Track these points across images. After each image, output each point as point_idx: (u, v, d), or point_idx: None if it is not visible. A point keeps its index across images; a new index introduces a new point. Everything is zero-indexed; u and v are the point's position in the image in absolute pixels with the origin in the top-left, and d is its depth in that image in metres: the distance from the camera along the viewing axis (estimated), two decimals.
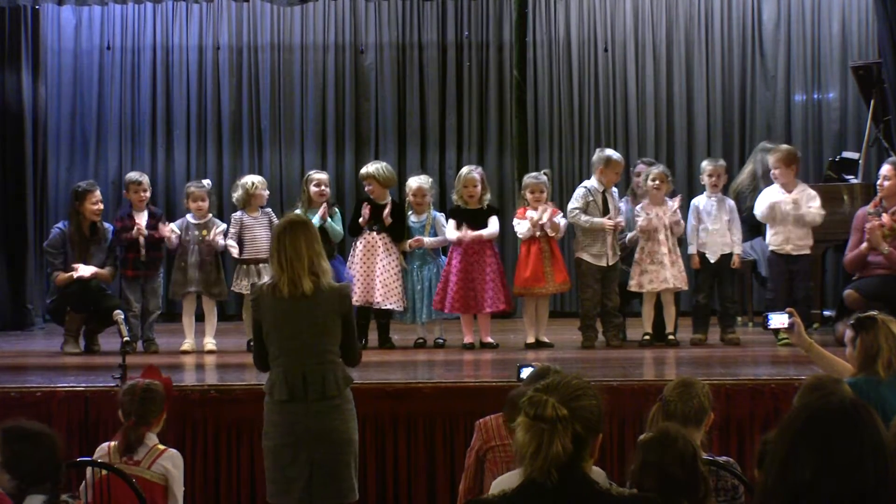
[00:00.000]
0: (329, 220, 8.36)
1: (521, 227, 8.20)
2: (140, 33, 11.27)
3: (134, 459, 4.77)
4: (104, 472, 4.62)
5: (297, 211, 8.43)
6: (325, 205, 8.35)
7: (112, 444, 4.85)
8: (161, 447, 4.84)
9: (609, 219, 8.19)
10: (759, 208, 8.34)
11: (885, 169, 7.98)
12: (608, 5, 11.33)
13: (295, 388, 4.84)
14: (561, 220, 8.24)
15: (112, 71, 11.25)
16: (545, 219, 8.09)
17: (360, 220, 8.34)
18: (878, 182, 8.00)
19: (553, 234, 8.21)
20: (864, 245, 7.84)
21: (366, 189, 8.55)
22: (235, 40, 11.30)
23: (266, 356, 4.95)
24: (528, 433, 2.75)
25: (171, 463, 4.82)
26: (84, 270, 8.33)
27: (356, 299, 8.29)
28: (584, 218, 8.21)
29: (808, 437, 2.31)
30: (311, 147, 11.31)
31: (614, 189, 8.43)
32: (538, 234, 8.14)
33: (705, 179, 8.42)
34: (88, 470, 4.66)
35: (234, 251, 8.34)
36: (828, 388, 4.32)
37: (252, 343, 5.18)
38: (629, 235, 8.36)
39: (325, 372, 4.86)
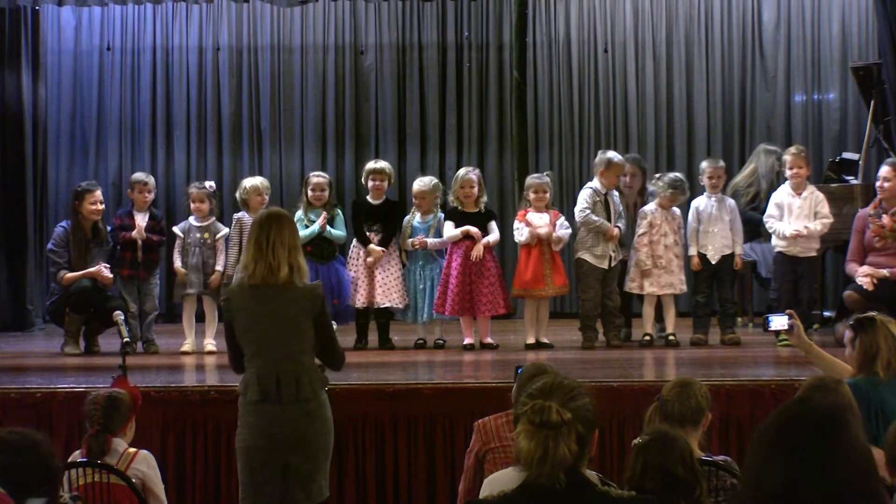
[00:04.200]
0: (329, 227, 8.35)
1: (522, 234, 8.20)
2: (140, 34, 11.28)
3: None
4: (81, 481, 4.63)
5: (299, 212, 8.45)
6: (324, 214, 8.33)
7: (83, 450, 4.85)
8: (132, 451, 4.81)
9: (615, 226, 8.19)
10: (773, 224, 8.33)
11: (884, 170, 7.99)
12: (608, 5, 11.33)
13: (268, 390, 4.77)
14: (564, 231, 8.23)
15: (112, 72, 11.25)
16: (545, 232, 8.12)
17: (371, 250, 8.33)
18: (878, 184, 8.02)
19: (556, 248, 8.23)
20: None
21: (373, 185, 8.51)
22: (235, 41, 11.30)
23: (241, 357, 4.88)
24: (534, 440, 2.76)
25: (146, 465, 4.81)
26: (105, 271, 8.32)
27: (359, 301, 8.30)
28: (594, 218, 8.20)
29: (780, 446, 2.29)
30: (311, 148, 11.31)
31: (615, 192, 8.42)
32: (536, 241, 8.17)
33: (705, 180, 8.43)
34: (66, 476, 4.63)
35: (231, 260, 8.30)
36: (829, 389, 4.32)
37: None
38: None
39: (300, 374, 4.78)
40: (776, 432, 2.31)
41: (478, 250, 8.15)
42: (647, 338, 8.30)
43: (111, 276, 8.41)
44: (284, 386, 4.76)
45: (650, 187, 8.58)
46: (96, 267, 8.32)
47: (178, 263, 8.37)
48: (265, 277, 4.73)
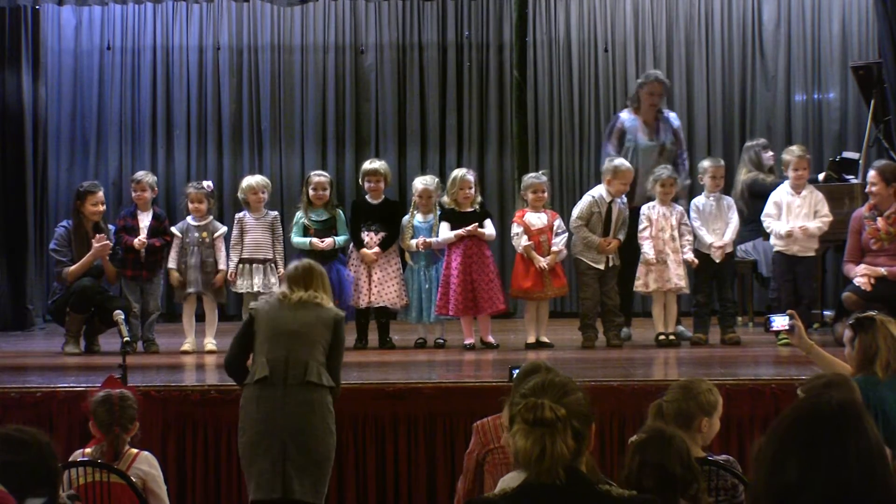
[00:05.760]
0: (335, 240, 8.34)
1: (520, 241, 8.19)
2: (140, 34, 11.28)
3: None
4: (81, 480, 4.68)
5: (299, 213, 8.46)
6: (326, 240, 8.30)
7: (87, 450, 4.89)
8: (134, 451, 4.88)
9: (607, 241, 8.18)
10: (770, 223, 8.33)
11: (871, 175, 8.02)
12: (608, 5, 11.33)
13: (276, 369, 5.00)
14: (561, 245, 8.21)
15: (112, 71, 11.25)
16: (547, 263, 8.13)
17: (366, 243, 8.35)
18: (867, 189, 8.04)
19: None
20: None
21: (369, 186, 8.52)
22: (235, 41, 11.30)
23: (242, 359, 5.16)
24: (530, 438, 2.75)
25: (148, 464, 4.87)
26: (103, 240, 8.31)
27: (361, 302, 8.30)
28: (583, 234, 8.21)
29: (795, 439, 2.32)
30: (311, 147, 11.31)
31: (622, 199, 8.35)
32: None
33: (706, 179, 8.41)
34: (65, 476, 4.66)
35: (232, 263, 8.36)
36: (837, 385, 4.30)
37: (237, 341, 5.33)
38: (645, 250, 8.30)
39: (308, 360, 5.01)
40: (792, 426, 2.34)
41: (469, 229, 8.13)
42: (662, 337, 8.26)
43: (111, 271, 8.42)
44: (292, 367, 4.96)
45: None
46: (97, 246, 8.29)
47: (172, 264, 8.37)
48: (302, 299, 5.19)
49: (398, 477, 6.30)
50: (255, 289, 8.28)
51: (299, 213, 8.48)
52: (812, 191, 8.43)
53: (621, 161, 8.35)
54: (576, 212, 8.34)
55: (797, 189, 8.36)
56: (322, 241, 8.28)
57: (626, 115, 8.86)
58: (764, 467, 2.33)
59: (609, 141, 8.85)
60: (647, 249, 8.19)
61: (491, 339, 8.25)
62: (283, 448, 4.95)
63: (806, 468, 2.27)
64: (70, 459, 4.84)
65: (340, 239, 8.40)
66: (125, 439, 4.87)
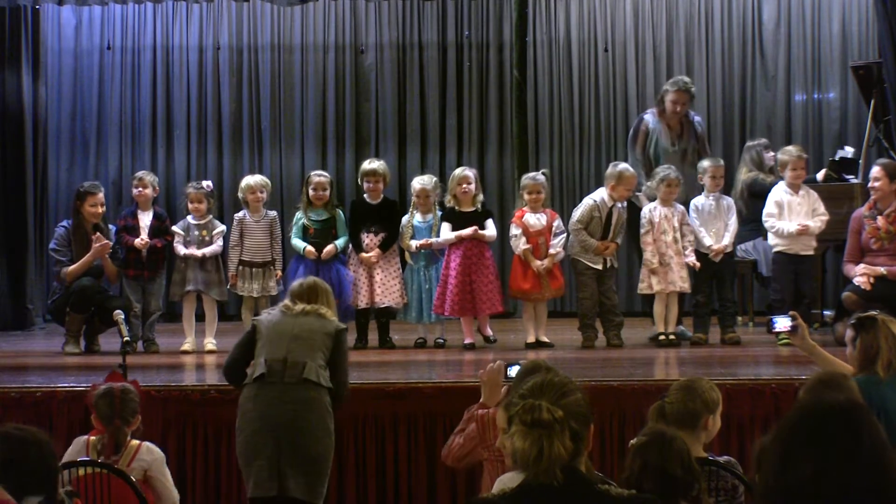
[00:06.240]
0: (336, 244, 8.34)
1: (518, 243, 8.19)
2: (140, 33, 11.28)
3: (112, 459, 4.84)
4: (81, 471, 4.70)
5: (299, 213, 8.46)
6: (325, 249, 8.30)
7: (91, 438, 4.94)
8: (136, 442, 4.93)
9: (604, 245, 8.19)
10: (773, 223, 8.32)
11: (875, 171, 8.02)
12: (608, 5, 11.33)
13: (274, 368, 5.05)
14: (559, 247, 8.21)
15: (112, 71, 11.25)
16: (544, 265, 8.14)
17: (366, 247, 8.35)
18: (870, 184, 8.04)
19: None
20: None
21: (367, 186, 8.51)
22: (235, 40, 11.30)
23: (242, 365, 5.22)
24: (528, 440, 2.76)
25: (150, 455, 4.92)
26: (102, 241, 8.30)
27: (362, 303, 8.29)
28: (582, 237, 8.20)
29: (806, 437, 2.32)
30: (311, 147, 11.31)
31: (622, 203, 8.32)
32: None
33: (706, 180, 8.40)
34: (65, 471, 4.67)
35: (232, 265, 8.39)
36: (837, 384, 4.30)
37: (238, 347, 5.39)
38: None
39: (308, 361, 5.06)
40: (799, 425, 2.34)
41: (469, 231, 8.14)
42: (662, 337, 8.26)
43: (112, 270, 8.44)
44: (290, 367, 5.05)
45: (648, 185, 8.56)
46: (97, 246, 8.29)
47: (184, 251, 8.34)
48: (305, 310, 5.25)
49: (398, 477, 6.30)
50: (255, 294, 8.31)
51: (299, 214, 8.48)
52: (808, 190, 8.43)
53: (625, 167, 8.35)
54: (576, 214, 8.34)
55: (794, 189, 8.36)
56: (319, 251, 8.25)
57: (649, 117, 8.87)
58: (771, 467, 2.33)
59: (635, 145, 8.85)
60: (650, 256, 8.19)
61: (490, 331, 8.27)
62: (278, 445, 4.97)
63: (816, 466, 2.27)
64: (72, 444, 4.91)
65: (340, 242, 8.39)
66: (126, 432, 4.90)
